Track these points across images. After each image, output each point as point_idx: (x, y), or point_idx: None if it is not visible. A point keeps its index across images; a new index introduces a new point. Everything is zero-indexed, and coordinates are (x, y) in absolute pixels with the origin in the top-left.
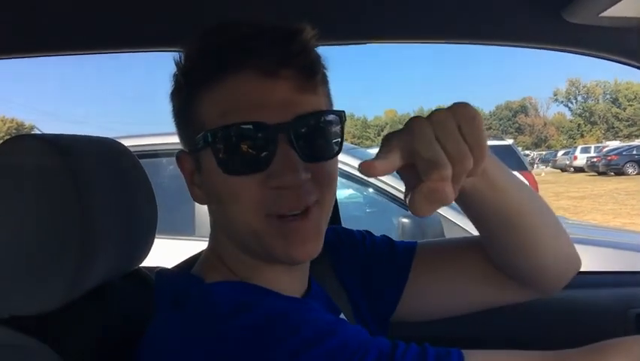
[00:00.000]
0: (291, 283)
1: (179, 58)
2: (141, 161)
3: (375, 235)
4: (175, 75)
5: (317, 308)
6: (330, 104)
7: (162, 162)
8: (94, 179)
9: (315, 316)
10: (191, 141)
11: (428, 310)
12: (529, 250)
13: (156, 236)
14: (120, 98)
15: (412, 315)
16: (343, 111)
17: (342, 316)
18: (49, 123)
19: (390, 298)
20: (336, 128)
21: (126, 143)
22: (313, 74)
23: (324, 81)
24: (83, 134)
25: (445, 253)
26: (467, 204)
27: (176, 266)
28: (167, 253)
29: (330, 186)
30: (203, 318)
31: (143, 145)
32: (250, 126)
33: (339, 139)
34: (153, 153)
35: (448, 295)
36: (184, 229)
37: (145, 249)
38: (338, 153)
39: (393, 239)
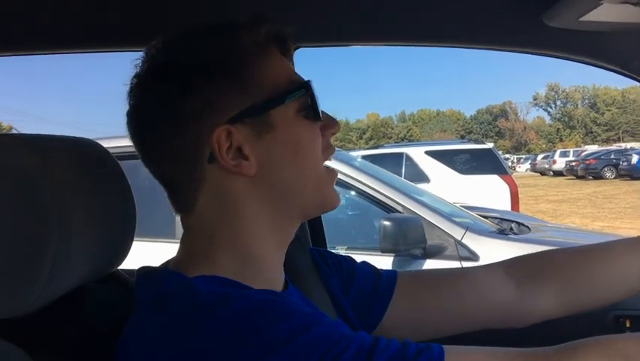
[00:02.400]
0: (279, 271)
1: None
2: (121, 163)
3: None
4: (211, 49)
5: (297, 302)
6: None
7: (142, 164)
8: (71, 180)
9: (296, 308)
10: (252, 104)
11: (415, 331)
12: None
13: (135, 238)
14: (100, 99)
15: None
16: None
17: None
18: (27, 124)
19: (370, 320)
20: None
21: (105, 144)
22: None
23: None
24: (61, 134)
25: (433, 281)
26: None
27: (157, 266)
28: (146, 255)
29: None
30: (183, 313)
31: (123, 147)
32: (311, 83)
33: None
34: (133, 155)
35: (437, 320)
36: (164, 231)
37: (123, 251)
38: None
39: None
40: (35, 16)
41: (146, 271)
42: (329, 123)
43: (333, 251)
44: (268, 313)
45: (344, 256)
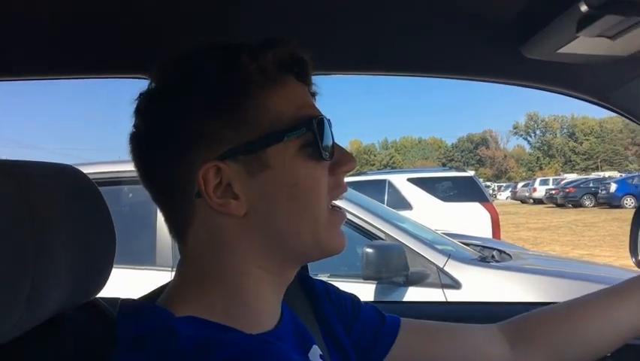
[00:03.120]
0: (276, 310)
1: (232, 60)
2: (101, 189)
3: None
4: (208, 81)
5: (286, 349)
6: None
7: (123, 190)
8: (49, 206)
9: (282, 355)
10: (247, 141)
11: None
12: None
13: (115, 266)
14: (80, 125)
15: None
16: None
17: (314, 348)
18: (5, 148)
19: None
20: None
21: (85, 170)
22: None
23: None
24: (39, 160)
25: (433, 333)
26: None
27: (142, 297)
28: (126, 282)
29: None
30: (165, 357)
31: (103, 172)
32: (328, 120)
33: None
34: (114, 181)
35: None
36: (144, 258)
37: (102, 279)
38: None
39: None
40: (24, 43)
41: (128, 305)
42: (341, 160)
43: (340, 288)
44: None
45: (350, 294)
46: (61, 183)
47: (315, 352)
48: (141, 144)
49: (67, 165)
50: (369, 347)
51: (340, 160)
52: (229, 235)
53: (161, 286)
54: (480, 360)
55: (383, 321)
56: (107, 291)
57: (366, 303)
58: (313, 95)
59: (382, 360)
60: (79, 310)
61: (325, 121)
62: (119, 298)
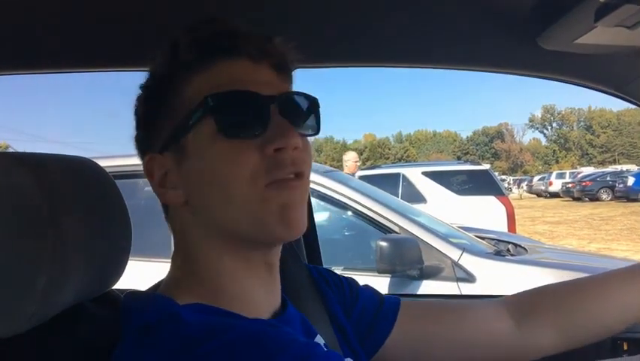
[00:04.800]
0: (266, 296)
1: (159, 53)
2: (117, 182)
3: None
4: (152, 73)
5: (290, 331)
6: None
7: (139, 183)
8: (67, 199)
9: (289, 338)
10: (173, 131)
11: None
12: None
13: (131, 258)
14: (99, 119)
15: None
16: (316, 97)
17: (318, 338)
18: (25, 143)
19: (370, 344)
20: (315, 110)
21: (102, 163)
22: (288, 68)
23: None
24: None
25: (437, 312)
26: None
27: (148, 289)
28: (141, 274)
29: (310, 164)
30: (171, 344)
31: (120, 165)
32: (247, 95)
33: (318, 121)
34: (129, 174)
35: (438, 351)
36: (160, 250)
37: (118, 271)
38: (317, 132)
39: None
40: (31, 36)
41: (132, 296)
42: (272, 136)
43: (335, 271)
44: (257, 346)
45: (347, 277)
46: (78, 175)
47: (319, 341)
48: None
49: (84, 157)
50: (371, 328)
51: (271, 136)
52: (184, 224)
53: (162, 279)
54: (486, 335)
55: (382, 302)
56: (123, 283)
57: (365, 285)
58: (279, 67)
59: (385, 340)
60: (95, 302)
61: (240, 95)
62: (135, 290)
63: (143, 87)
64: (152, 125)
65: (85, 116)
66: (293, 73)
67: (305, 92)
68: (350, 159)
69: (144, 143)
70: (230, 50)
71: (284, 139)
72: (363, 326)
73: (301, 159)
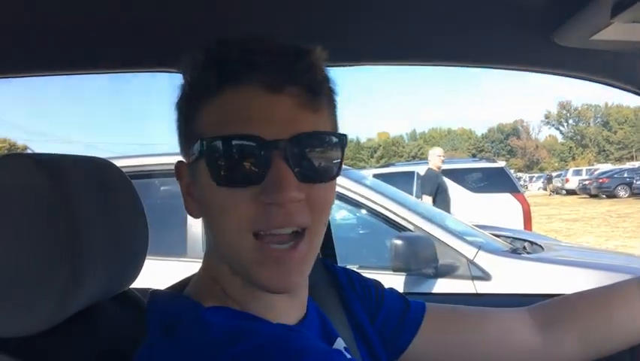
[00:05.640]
0: (287, 308)
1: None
2: (133, 182)
3: (385, 287)
4: (182, 86)
5: (311, 337)
6: (335, 127)
7: (155, 183)
8: (84, 199)
9: (311, 345)
10: (188, 152)
11: None
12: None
13: (147, 257)
14: (118, 119)
15: None
16: (345, 135)
17: (339, 340)
18: (42, 144)
19: (394, 348)
20: (336, 151)
21: (118, 163)
22: (318, 94)
23: (331, 104)
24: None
25: (461, 318)
26: None
27: (170, 287)
28: (158, 273)
29: (324, 212)
30: (195, 346)
31: (136, 165)
32: (245, 140)
33: (339, 162)
34: (146, 174)
35: (461, 358)
36: (176, 249)
37: (135, 270)
38: (335, 176)
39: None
40: (49, 38)
41: (158, 295)
42: (268, 187)
43: (362, 275)
44: (280, 351)
45: (373, 280)
46: (95, 175)
47: (340, 344)
48: None
49: (100, 158)
50: (396, 333)
51: (266, 188)
52: (208, 234)
53: (186, 278)
54: (508, 345)
55: (408, 307)
56: (140, 282)
57: (390, 289)
58: (305, 96)
59: (408, 346)
60: (113, 301)
61: (234, 141)
62: (152, 289)
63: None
64: (180, 136)
65: (97, 116)
66: (328, 97)
67: (328, 131)
68: (436, 153)
69: (181, 147)
70: (241, 76)
71: (279, 193)
72: (387, 332)
73: (302, 213)
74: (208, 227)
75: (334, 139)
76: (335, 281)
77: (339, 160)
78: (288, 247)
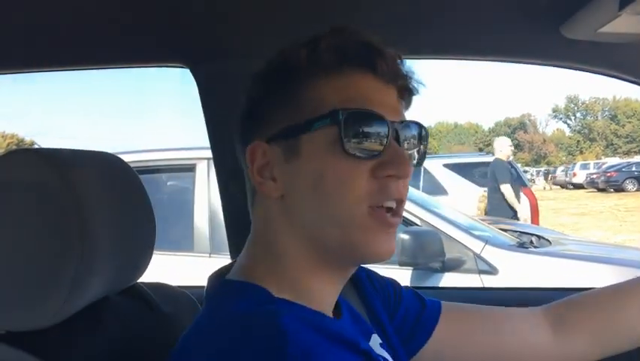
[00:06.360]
0: (331, 294)
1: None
2: (140, 177)
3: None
4: (279, 64)
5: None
6: None
7: (162, 178)
8: (92, 194)
9: None
10: (289, 127)
11: None
12: None
13: (155, 252)
14: (124, 114)
15: None
16: (427, 129)
17: (374, 337)
18: (50, 139)
19: (409, 348)
20: (424, 143)
21: (126, 158)
22: (413, 94)
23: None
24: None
25: (476, 318)
26: None
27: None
28: (165, 267)
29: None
30: (265, 346)
31: (143, 160)
32: (374, 116)
33: (424, 154)
34: (153, 169)
35: (476, 356)
36: (183, 244)
37: (143, 264)
38: (420, 164)
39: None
40: (64, 32)
41: (224, 283)
42: (387, 162)
43: (379, 273)
44: None
45: (390, 279)
46: (102, 170)
47: (376, 341)
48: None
49: (108, 153)
50: (412, 332)
51: (386, 162)
52: (272, 217)
53: (225, 266)
54: (522, 345)
55: (424, 306)
56: (147, 276)
57: (406, 288)
58: (404, 92)
59: (424, 345)
60: (121, 295)
61: (368, 116)
62: (159, 283)
63: (264, 75)
64: (267, 114)
65: (110, 113)
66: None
67: (423, 125)
68: (507, 143)
69: (252, 128)
70: (365, 64)
71: (400, 167)
72: (405, 331)
73: (406, 189)
74: (301, 203)
75: (425, 132)
76: (353, 277)
77: (424, 151)
78: (392, 216)
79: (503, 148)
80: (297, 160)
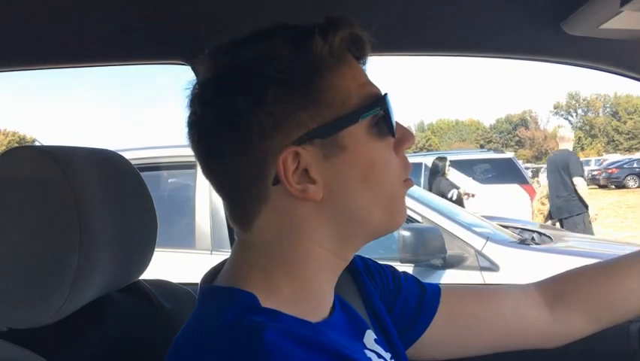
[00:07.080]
0: (330, 293)
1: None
2: (142, 174)
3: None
4: (288, 61)
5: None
6: None
7: (163, 175)
8: (93, 191)
9: None
10: (323, 123)
11: (455, 347)
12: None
13: (156, 249)
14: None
15: (431, 354)
16: None
17: (369, 333)
18: (51, 136)
19: (410, 335)
20: None
21: (127, 155)
22: None
23: None
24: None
25: (475, 298)
26: None
27: (209, 271)
28: (167, 265)
29: None
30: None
31: (144, 158)
32: (388, 95)
33: None
34: (154, 166)
35: (478, 338)
36: (184, 241)
37: (144, 261)
38: None
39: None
40: (65, 29)
41: (214, 290)
42: (403, 137)
43: (377, 261)
44: None
45: (388, 266)
46: (104, 167)
47: (370, 336)
48: (207, 134)
49: (109, 150)
50: (413, 318)
51: (402, 137)
52: (303, 220)
53: (212, 269)
54: (520, 322)
55: (424, 291)
56: (148, 274)
57: (405, 273)
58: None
59: (425, 331)
60: (122, 292)
61: (388, 98)
62: (161, 280)
63: (262, 80)
64: (283, 119)
65: (111, 111)
66: None
67: None
68: (571, 134)
69: (266, 134)
70: (357, 52)
71: (410, 139)
72: (404, 319)
73: None
74: (347, 194)
75: None
76: (351, 267)
77: None
78: (410, 185)
79: (570, 139)
80: (342, 155)
